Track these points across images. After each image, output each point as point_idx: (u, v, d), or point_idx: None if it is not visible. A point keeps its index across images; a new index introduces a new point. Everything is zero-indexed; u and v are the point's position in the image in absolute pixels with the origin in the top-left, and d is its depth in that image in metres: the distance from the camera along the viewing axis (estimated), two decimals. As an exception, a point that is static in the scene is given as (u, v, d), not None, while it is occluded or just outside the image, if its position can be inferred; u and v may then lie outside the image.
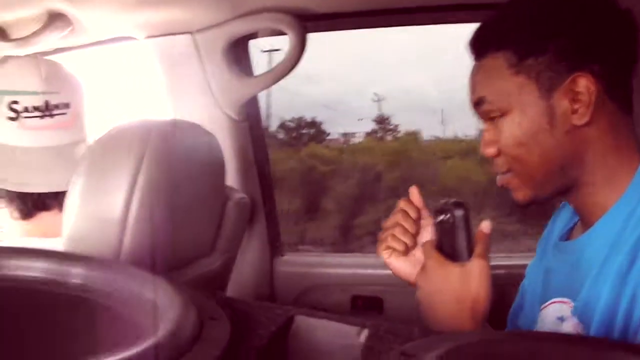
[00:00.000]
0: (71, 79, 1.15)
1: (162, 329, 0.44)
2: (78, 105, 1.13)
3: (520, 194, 0.92)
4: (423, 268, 0.92)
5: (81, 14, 1.42)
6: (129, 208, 0.84)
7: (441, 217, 0.92)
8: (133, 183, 0.84)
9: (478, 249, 0.89)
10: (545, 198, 0.92)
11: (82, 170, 0.88)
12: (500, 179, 0.93)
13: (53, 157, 1.08)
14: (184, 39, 1.39)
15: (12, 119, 1.06)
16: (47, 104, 1.08)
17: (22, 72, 1.09)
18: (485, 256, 0.88)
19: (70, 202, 0.88)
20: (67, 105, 1.10)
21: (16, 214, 1.10)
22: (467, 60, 0.95)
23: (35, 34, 1.53)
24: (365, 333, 0.59)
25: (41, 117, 1.07)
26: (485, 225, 0.91)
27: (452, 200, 0.91)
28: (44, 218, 1.10)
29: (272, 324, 0.57)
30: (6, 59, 1.13)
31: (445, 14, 1.32)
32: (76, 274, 0.53)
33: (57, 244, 1.08)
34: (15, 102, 1.06)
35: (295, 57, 1.31)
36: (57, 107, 1.09)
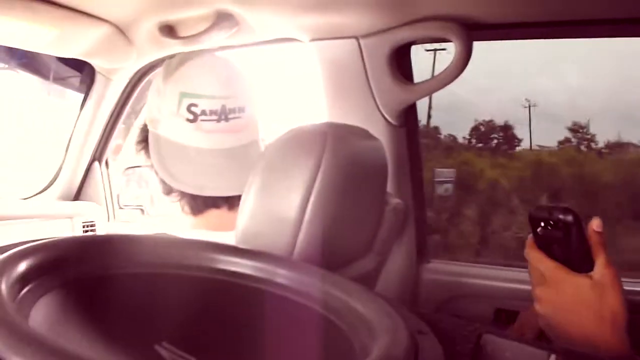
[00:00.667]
0: (247, 81, 1.19)
1: (380, 343, 0.45)
2: (252, 108, 1.17)
3: None
4: (543, 281, 0.86)
5: (248, 15, 1.48)
6: (305, 209, 0.87)
7: (543, 225, 0.86)
8: (311, 184, 0.87)
9: (601, 256, 0.83)
10: None
11: (259, 170, 0.92)
12: None
13: (227, 159, 1.13)
14: (349, 43, 1.41)
15: (190, 120, 1.11)
16: (223, 108, 1.12)
17: (202, 74, 1.14)
18: (612, 263, 0.82)
19: (246, 199, 0.92)
20: (242, 109, 1.15)
21: (187, 209, 1.16)
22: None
23: (203, 32, 1.60)
24: (553, 358, 0.58)
25: (217, 121, 1.12)
26: (597, 224, 0.84)
27: (557, 205, 0.85)
28: (212, 214, 1.15)
29: (465, 340, 0.57)
30: (186, 58, 1.17)
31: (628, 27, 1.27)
32: (282, 274, 0.56)
33: (227, 239, 1.13)
34: (194, 105, 1.11)
35: (460, 66, 1.30)
36: (233, 111, 1.13)
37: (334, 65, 1.46)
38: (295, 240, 0.88)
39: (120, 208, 2.49)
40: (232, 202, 1.15)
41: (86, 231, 2.32)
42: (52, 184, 2.48)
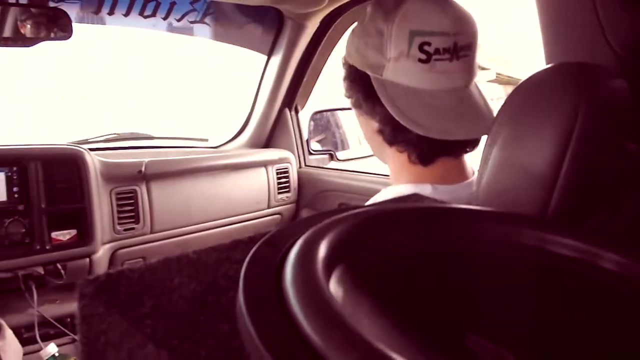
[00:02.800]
0: (470, 16, 1.08)
1: None
2: (476, 45, 1.08)
3: None
4: None
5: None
6: (561, 163, 0.77)
7: None
8: (567, 135, 0.77)
9: None
10: None
11: (505, 120, 0.83)
12: None
13: (460, 100, 1.05)
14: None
15: (423, 61, 1.02)
16: (455, 46, 1.03)
17: (431, 10, 1.04)
18: None
19: (490, 152, 0.84)
20: (469, 47, 1.06)
21: (414, 158, 1.09)
22: None
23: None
24: None
25: (450, 60, 1.03)
26: None
27: None
28: (441, 163, 1.08)
29: None
30: None
31: None
32: (609, 259, 0.47)
33: (456, 191, 1.06)
34: (427, 44, 1.02)
35: None
36: (463, 48, 1.04)
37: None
38: (549, 197, 0.79)
39: (310, 154, 2.50)
40: (462, 149, 1.08)
41: (280, 178, 2.35)
42: (241, 132, 2.53)
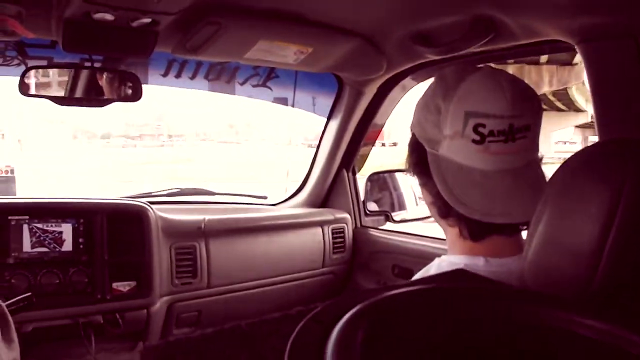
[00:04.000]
0: (532, 96, 1.09)
1: None
2: (537, 125, 1.08)
3: None
4: None
5: (510, 20, 1.40)
6: (605, 241, 0.78)
7: None
8: (612, 213, 0.77)
9: None
10: None
11: (550, 197, 0.84)
12: None
13: (514, 181, 1.05)
14: (624, 43, 1.27)
15: (476, 142, 1.03)
16: (511, 128, 1.03)
17: (488, 91, 1.05)
18: None
19: (536, 228, 0.85)
20: (527, 128, 1.05)
21: (465, 233, 1.09)
22: None
23: (458, 39, 1.55)
24: None
25: (505, 141, 1.03)
26: None
27: None
28: (493, 240, 1.08)
29: None
30: (464, 73, 1.09)
31: None
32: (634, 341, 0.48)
33: (508, 264, 1.06)
34: (482, 125, 1.03)
35: None
36: (519, 130, 1.04)
37: (605, 68, 1.33)
38: (593, 275, 0.79)
39: (366, 214, 2.53)
40: (515, 227, 1.07)
41: (335, 238, 2.38)
42: (300, 191, 2.59)
